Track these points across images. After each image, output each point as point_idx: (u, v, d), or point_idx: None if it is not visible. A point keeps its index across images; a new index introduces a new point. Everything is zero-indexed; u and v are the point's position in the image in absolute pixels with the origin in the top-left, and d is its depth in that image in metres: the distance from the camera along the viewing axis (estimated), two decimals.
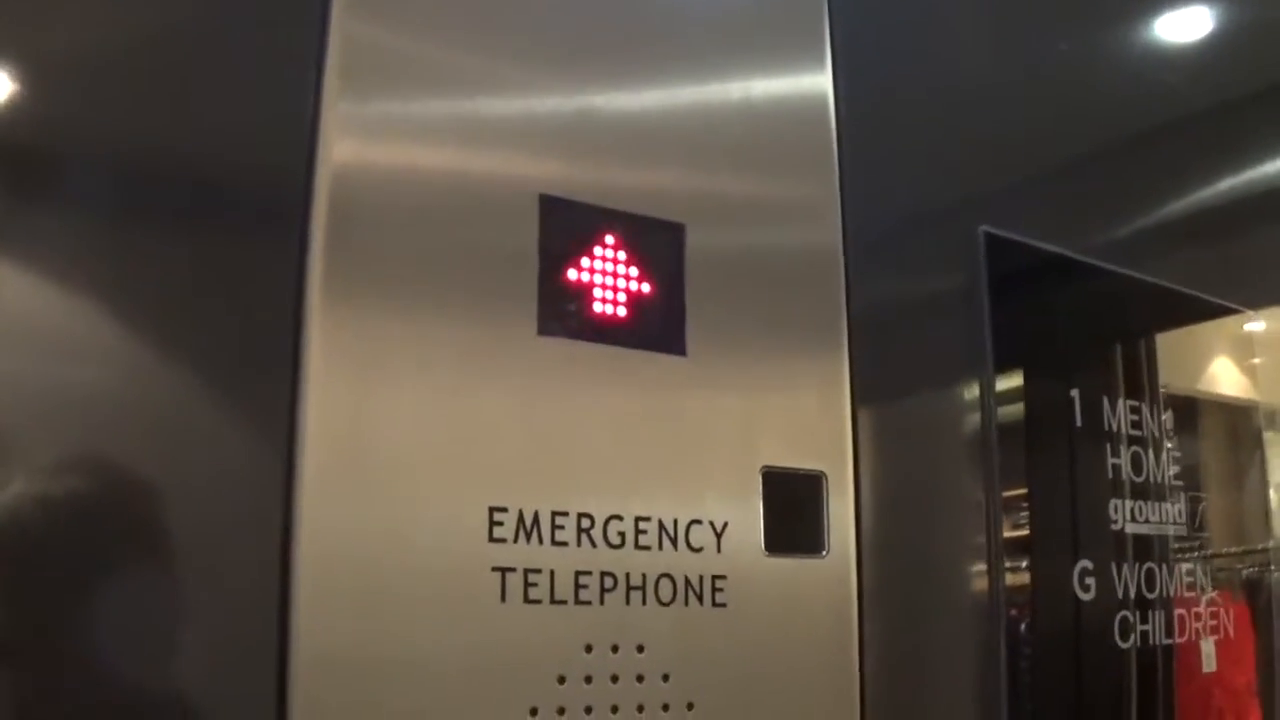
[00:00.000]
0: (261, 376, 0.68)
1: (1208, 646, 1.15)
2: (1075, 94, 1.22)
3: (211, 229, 0.69)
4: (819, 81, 0.92)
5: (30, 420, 0.61)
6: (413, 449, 0.69)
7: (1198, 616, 1.12)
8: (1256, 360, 1.37)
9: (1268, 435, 1.35)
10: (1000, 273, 1.00)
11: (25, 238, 0.63)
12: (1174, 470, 1.13)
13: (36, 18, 0.66)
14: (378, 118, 0.72)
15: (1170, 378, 1.17)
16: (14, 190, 0.63)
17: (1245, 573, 1.26)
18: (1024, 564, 0.97)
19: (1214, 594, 1.15)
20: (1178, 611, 1.09)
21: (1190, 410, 1.23)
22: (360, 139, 0.71)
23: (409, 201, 0.72)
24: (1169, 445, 1.13)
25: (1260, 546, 1.28)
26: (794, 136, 0.90)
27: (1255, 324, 1.36)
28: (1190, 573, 1.12)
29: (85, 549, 0.62)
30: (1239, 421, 1.32)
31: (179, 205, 0.68)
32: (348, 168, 0.70)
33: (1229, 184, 1.43)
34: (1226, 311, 1.28)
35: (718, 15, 0.88)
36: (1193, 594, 1.12)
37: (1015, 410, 0.99)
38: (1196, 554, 1.15)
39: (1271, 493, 1.34)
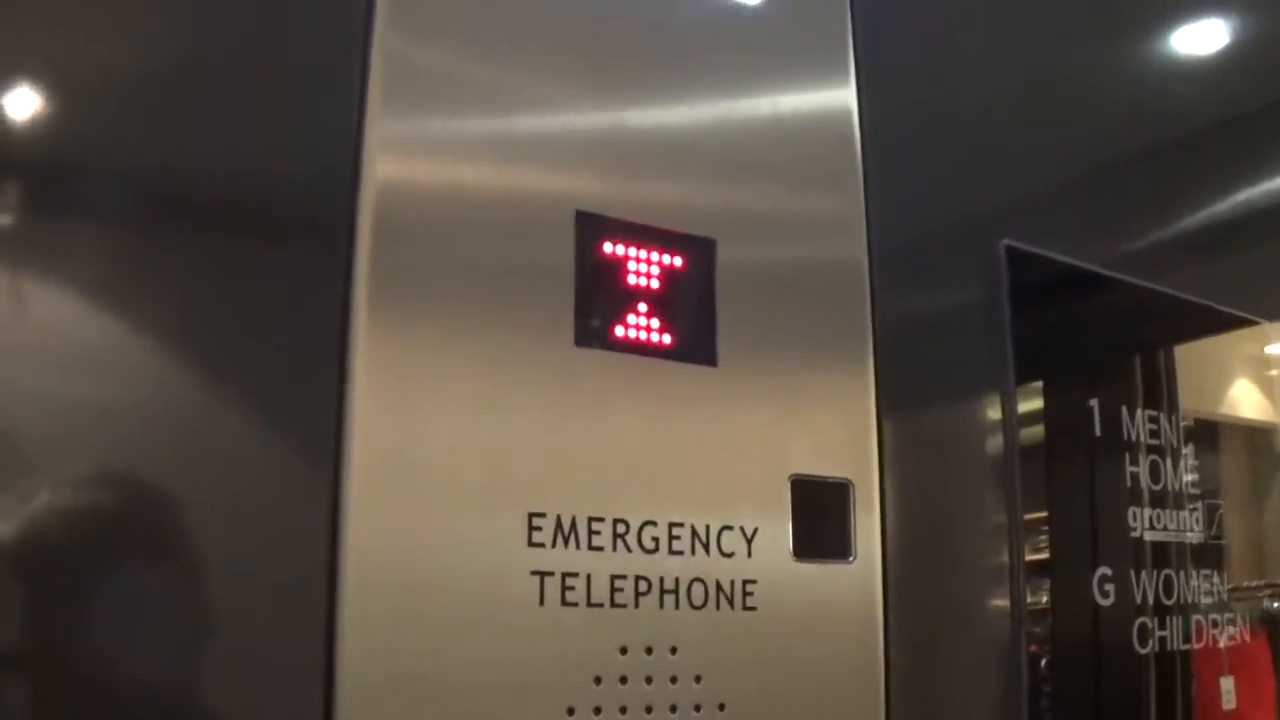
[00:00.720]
0: (307, 392, 0.69)
1: (1227, 684, 1.16)
2: (1094, 107, 1.24)
3: (255, 246, 0.71)
4: (844, 96, 0.94)
5: (82, 438, 0.63)
6: (455, 458, 0.71)
7: (1215, 649, 1.14)
8: (1274, 372, 1.38)
9: None
10: (1021, 285, 1.02)
11: (78, 256, 0.65)
12: (1191, 478, 1.15)
13: (83, 34, 0.67)
14: (419, 135, 0.74)
15: (1191, 401, 1.19)
16: (65, 207, 0.65)
17: (1266, 606, 1.26)
18: (1044, 570, 0.99)
19: (1233, 629, 1.17)
20: (1196, 645, 1.11)
21: (1211, 433, 1.24)
22: (402, 156, 0.73)
23: (449, 217, 0.74)
24: (1186, 454, 1.15)
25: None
26: (820, 151, 0.92)
27: (1276, 346, 1.38)
28: (1211, 606, 1.14)
29: (127, 568, 0.64)
30: (1259, 444, 1.33)
31: (223, 222, 0.70)
32: (390, 185, 0.72)
33: (1245, 196, 1.45)
34: (1244, 323, 1.30)
35: (745, 31, 0.90)
36: (1215, 630, 1.14)
37: (1036, 419, 1.01)
38: (1215, 588, 1.16)
39: None
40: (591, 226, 0.79)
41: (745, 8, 0.91)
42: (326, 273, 0.71)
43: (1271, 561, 1.28)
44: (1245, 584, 1.22)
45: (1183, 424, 1.16)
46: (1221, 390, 1.35)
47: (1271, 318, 1.35)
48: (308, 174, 0.73)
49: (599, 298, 0.79)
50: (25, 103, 0.65)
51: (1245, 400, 1.37)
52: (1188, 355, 1.22)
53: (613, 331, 0.79)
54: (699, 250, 0.83)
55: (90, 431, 0.63)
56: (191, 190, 0.69)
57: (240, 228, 0.71)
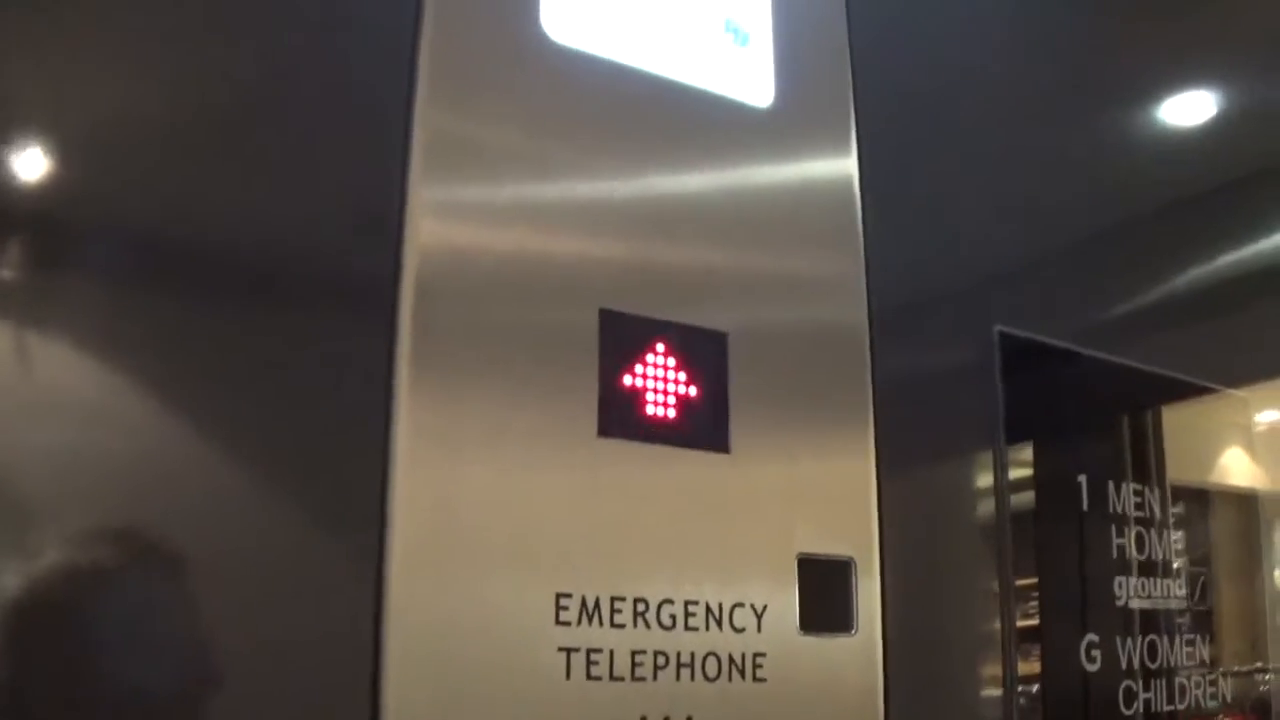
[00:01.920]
0: (349, 457, 0.73)
1: None
2: (1082, 180, 1.30)
3: (297, 309, 0.75)
4: (849, 190, 1.00)
5: (105, 499, 0.65)
6: (490, 536, 0.76)
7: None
8: (1261, 425, 1.43)
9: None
10: (1013, 357, 1.08)
11: (112, 317, 0.67)
12: (1177, 548, 1.20)
13: (119, 92, 0.71)
14: (458, 203, 0.80)
15: (1181, 470, 1.24)
16: (101, 268, 0.68)
17: (1260, 690, 1.31)
18: (1035, 637, 1.04)
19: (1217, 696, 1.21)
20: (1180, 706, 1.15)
21: (1201, 501, 1.29)
22: (443, 224, 0.79)
23: (487, 288, 0.80)
24: (1171, 524, 1.20)
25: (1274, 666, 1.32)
26: (827, 240, 0.98)
27: (1266, 414, 1.43)
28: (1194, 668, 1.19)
29: (155, 639, 0.66)
30: (1248, 513, 1.38)
31: (267, 286, 0.73)
32: (432, 252, 0.78)
33: (1237, 261, 1.51)
34: (1229, 399, 1.35)
35: (756, 129, 0.97)
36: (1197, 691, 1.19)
37: (1027, 486, 1.07)
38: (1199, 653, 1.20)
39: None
40: (615, 324, 0.85)
41: (757, 111, 0.97)
42: (367, 336, 0.75)
43: (1262, 637, 1.33)
44: (1237, 667, 1.27)
45: (1170, 493, 1.22)
46: (1212, 459, 1.40)
47: (1253, 384, 1.41)
48: (351, 237, 0.77)
49: (620, 389, 0.84)
50: (57, 155, 0.69)
51: (1236, 468, 1.42)
52: (1179, 423, 1.28)
53: (633, 421, 0.84)
54: (713, 344, 0.89)
55: (115, 494, 0.66)
56: (234, 253, 0.72)
57: (283, 291, 0.74)
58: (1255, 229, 1.55)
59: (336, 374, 0.74)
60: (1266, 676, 1.31)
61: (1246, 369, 1.43)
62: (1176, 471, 1.24)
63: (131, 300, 0.69)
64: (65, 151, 0.69)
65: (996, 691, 1.01)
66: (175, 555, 0.68)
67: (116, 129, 0.71)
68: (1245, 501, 1.39)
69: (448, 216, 0.79)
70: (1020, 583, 1.05)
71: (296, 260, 0.75)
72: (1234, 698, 1.24)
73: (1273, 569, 1.39)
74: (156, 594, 0.68)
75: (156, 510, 0.67)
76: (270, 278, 0.74)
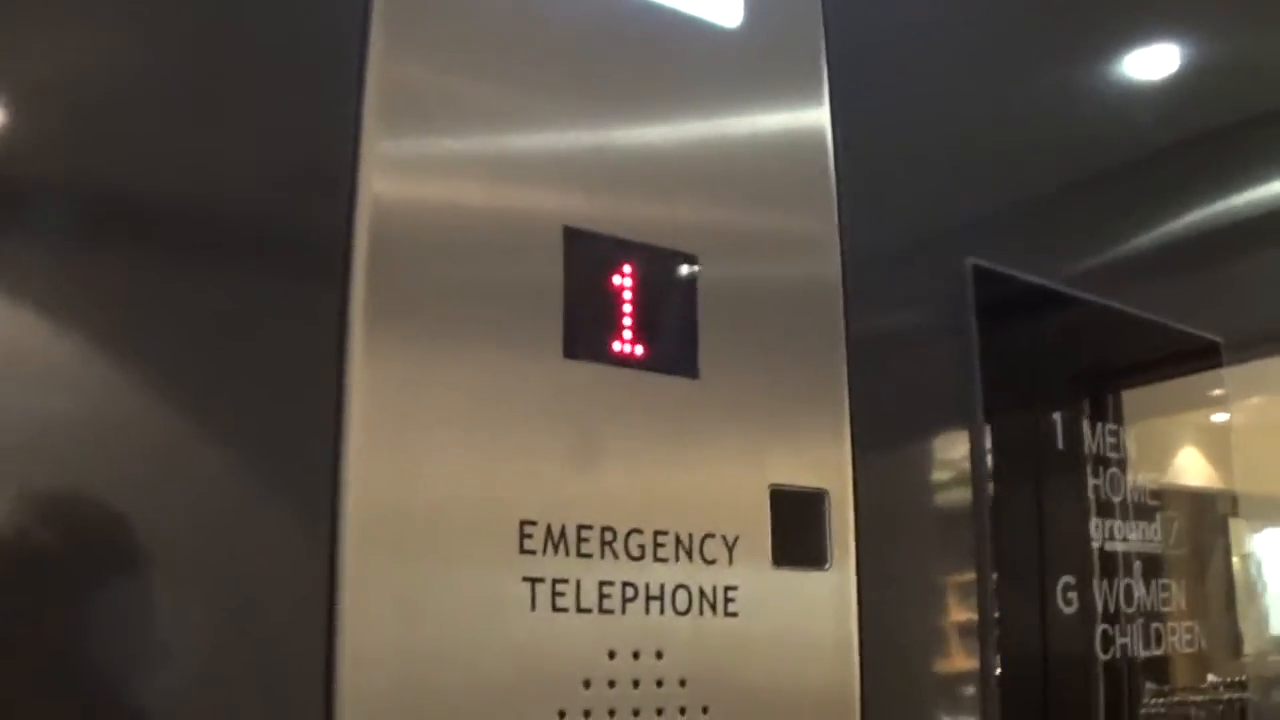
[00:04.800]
0: (302, 411, 0.71)
1: None
2: (1056, 130, 1.28)
3: (249, 265, 0.72)
4: (818, 116, 0.97)
5: (51, 459, 0.63)
6: (451, 462, 0.73)
7: None
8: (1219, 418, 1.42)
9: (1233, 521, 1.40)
10: (989, 303, 1.06)
11: (55, 274, 0.65)
12: (1150, 489, 1.19)
13: (67, 47, 0.68)
14: (413, 154, 0.76)
15: (1140, 471, 1.21)
16: (41, 225, 0.65)
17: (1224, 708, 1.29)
18: (1010, 577, 1.02)
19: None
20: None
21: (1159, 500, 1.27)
22: (397, 176, 0.75)
23: (442, 236, 0.76)
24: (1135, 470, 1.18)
25: (1233, 679, 1.31)
26: (796, 170, 0.95)
27: (1221, 415, 1.42)
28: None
29: (104, 591, 0.64)
30: (1202, 511, 1.37)
31: (216, 242, 0.71)
32: (385, 204, 0.74)
33: (1212, 212, 1.50)
34: (1200, 341, 1.34)
35: (720, 45, 0.93)
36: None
37: (1002, 433, 1.05)
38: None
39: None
40: (579, 242, 0.81)
41: (725, 31, 0.93)
42: (320, 291, 0.72)
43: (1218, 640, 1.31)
44: (1200, 684, 1.25)
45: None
46: (1168, 459, 1.38)
47: (1226, 335, 1.40)
48: (302, 192, 0.74)
49: (586, 312, 0.81)
50: None
51: (1193, 469, 1.42)
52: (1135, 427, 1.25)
53: (598, 344, 0.81)
54: (681, 265, 0.86)
55: (63, 456, 0.63)
56: (183, 211, 0.70)
57: (235, 249, 0.71)
58: (1227, 183, 1.54)
59: (291, 331, 0.72)
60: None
61: (1219, 318, 1.41)
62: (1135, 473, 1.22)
63: (77, 259, 0.66)
64: (6, 110, 0.65)
65: (972, 629, 0.99)
66: (122, 516, 0.65)
67: (58, 85, 0.67)
68: (1200, 500, 1.39)
69: (402, 170, 0.76)
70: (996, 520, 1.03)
71: (248, 217, 0.73)
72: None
73: (1226, 568, 1.38)
74: (103, 557, 0.64)
75: (105, 473, 0.64)
76: (221, 235, 0.71)
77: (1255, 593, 1.49)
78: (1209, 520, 1.38)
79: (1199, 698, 1.24)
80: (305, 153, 0.75)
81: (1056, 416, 1.08)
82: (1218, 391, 1.42)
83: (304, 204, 0.74)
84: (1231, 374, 1.42)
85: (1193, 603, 1.24)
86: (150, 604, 0.65)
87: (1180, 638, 1.20)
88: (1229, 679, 1.30)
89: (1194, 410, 1.43)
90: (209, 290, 0.68)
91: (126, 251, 0.67)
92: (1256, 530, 1.49)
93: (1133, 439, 1.19)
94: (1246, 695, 1.30)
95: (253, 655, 0.67)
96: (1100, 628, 1.08)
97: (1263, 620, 1.52)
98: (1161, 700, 1.16)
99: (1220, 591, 1.35)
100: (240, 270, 0.71)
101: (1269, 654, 1.47)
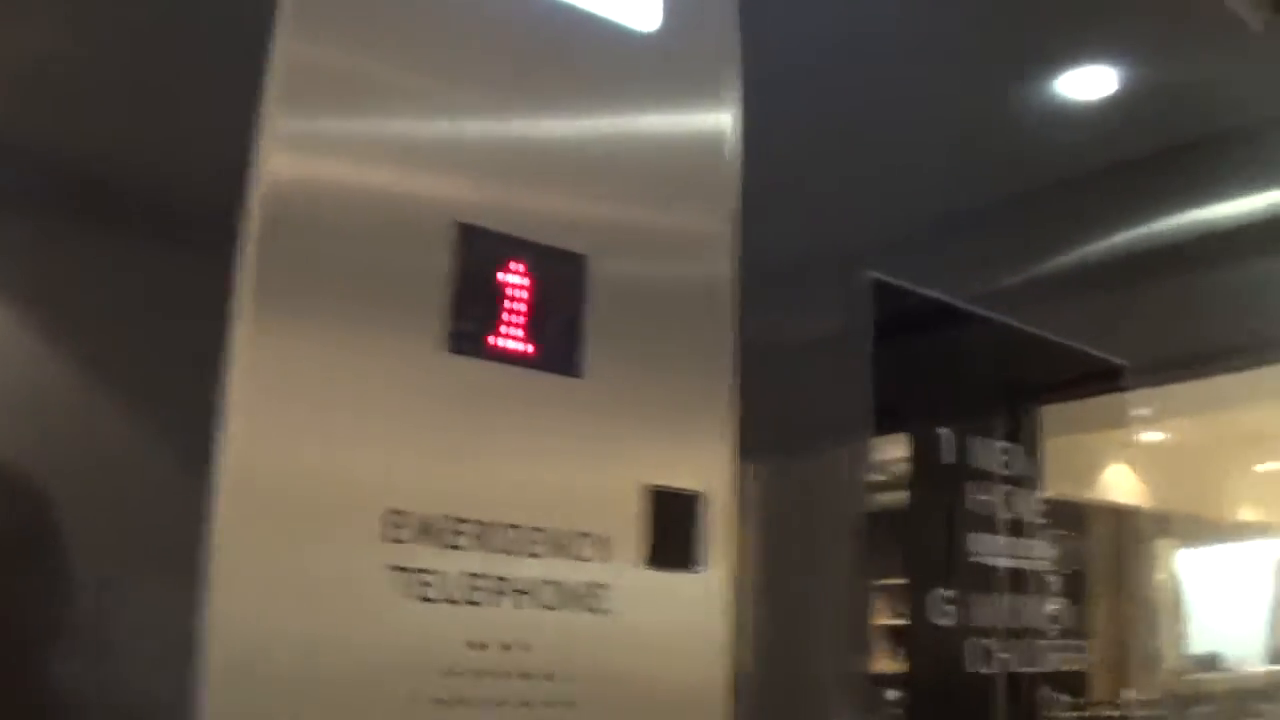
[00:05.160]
0: (185, 381, 0.71)
1: None
2: (976, 146, 1.30)
3: (145, 238, 0.72)
4: (725, 120, 0.98)
5: None
6: (322, 449, 0.74)
7: None
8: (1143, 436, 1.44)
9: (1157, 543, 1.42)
10: (888, 317, 1.07)
11: None
12: (1042, 511, 1.20)
13: None
14: (312, 134, 0.77)
15: (1063, 485, 1.24)
16: None
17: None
18: (888, 587, 1.04)
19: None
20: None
21: (1076, 515, 1.29)
22: (294, 155, 0.76)
23: (337, 219, 0.77)
24: (1038, 488, 1.20)
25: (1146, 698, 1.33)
26: (699, 174, 0.96)
27: (1152, 434, 1.44)
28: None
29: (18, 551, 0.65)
30: (1125, 527, 1.39)
31: (115, 215, 0.71)
32: (281, 183, 0.75)
33: (1119, 240, 1.52)
34: (1104, 364, 1.36)
35: (635, 48, 0.94)
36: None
37: (890, 446, 1.06)
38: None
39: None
40: (470, 237, 0.82)
41: (641, 35, 0.94)
42: (212, 264, 0.73)
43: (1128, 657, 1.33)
44: (1114, 699, 1.27)
45: (1040, 456, 1.22)
46: (1094, 475, 1.40)
47: (1131, 359, 1.42)
48: (201, 169, 0.75)
49: (472, 307, 0.82)
50: None
51: (1119, 485, 1.44)
52: (1059, 443, 1.27)
53: (483, 340, 0.82)
54: (570, 265, 0.87)
55: None
56: (93, 188, 0.70)
57: (131, 222, 0.72)
58: (1146, 209, 1.56)
59: (189, 307, 0.72)
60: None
61: (1126, 344, 1.43)
62: (1057, 486, 1.24)
63: None
64: None
65: (847, 635, 1.00)
66: (23, 474, 0.65)
67: None
68: (1124, 516, 1.41)
69: (300, 148, 0.76)
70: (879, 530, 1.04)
71: (154, 194, 0.73)
72: None
73: (1147, 583, 1.40)
74: (9, 511, 0.64)
75: (11, 435, 0.64)
76: (129, 212, 0.71)
77: (1178, 611, 1.52)
78: (1128, 538, 1.41)
79: (1110, 713, 1.26)
80: (213, 134, 0.75)
81: (944, 431, 1.10)
82: (1144, 411, 1.44)
83: (209, 183, 0.74)
84: (1161, 394, 1.44)
85: (1101, 619, 1.26)
86: (49, 542, 0.65)
87: (1085, 656, 1.22)
88: (1142, 697, 1.32)
89: (1112, 430, 1.45)
90: (116, 266, 0.69)
91: (30, 225, 0.67)
92: (1181, 548, 1.52)
93: (1039, 456, 1.21)
94: (1160, 713, 1.32)
95: (133, 616, 0.67)
96: (979, 641, 1.10)
97: (1181, 639, 1.55)
98: (1048, 716, 1.18)
99: (1138, 609, 1.37)
100: (143, 246, 0.71)
101: (1187, 672, 1.50)
